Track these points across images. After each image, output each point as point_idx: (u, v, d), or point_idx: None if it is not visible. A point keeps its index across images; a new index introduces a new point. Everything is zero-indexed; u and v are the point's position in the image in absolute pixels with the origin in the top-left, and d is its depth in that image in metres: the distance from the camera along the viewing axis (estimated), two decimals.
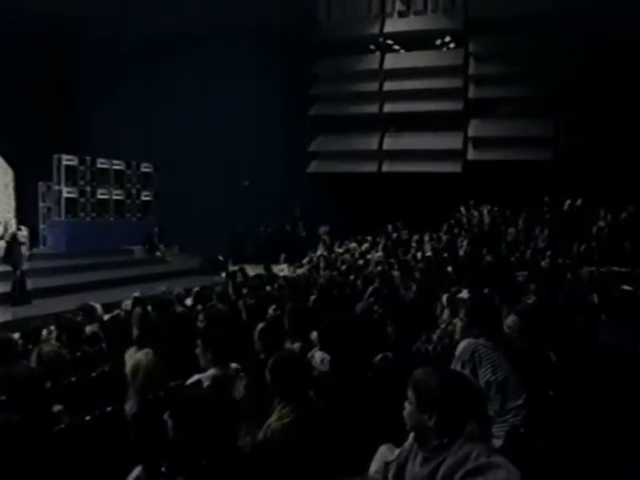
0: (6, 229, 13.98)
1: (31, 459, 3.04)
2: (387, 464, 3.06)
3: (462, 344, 4.29)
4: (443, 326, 6.03)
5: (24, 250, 14.02)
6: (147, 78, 23.57)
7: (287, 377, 3.57)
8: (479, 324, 4.44)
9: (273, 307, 6.40)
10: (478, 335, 4.33)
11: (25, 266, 13.79)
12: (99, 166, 20.56)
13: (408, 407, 2.66)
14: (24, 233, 14.38)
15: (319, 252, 17.24)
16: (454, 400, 2.57)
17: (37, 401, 3.83)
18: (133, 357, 4.05)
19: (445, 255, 13.03)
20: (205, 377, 4.36)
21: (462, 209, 19.49)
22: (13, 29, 19.88)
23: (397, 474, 2.78)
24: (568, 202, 17.24)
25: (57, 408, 3.91)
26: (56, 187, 19.67)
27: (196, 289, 9.36)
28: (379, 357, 4.86)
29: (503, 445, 3.45)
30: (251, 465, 3.34)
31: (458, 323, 4.65)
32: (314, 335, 5.07)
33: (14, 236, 13.86)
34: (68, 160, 19.63)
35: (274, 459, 3.37)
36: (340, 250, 16.67)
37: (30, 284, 14.75)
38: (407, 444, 2.86)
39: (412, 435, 2.77)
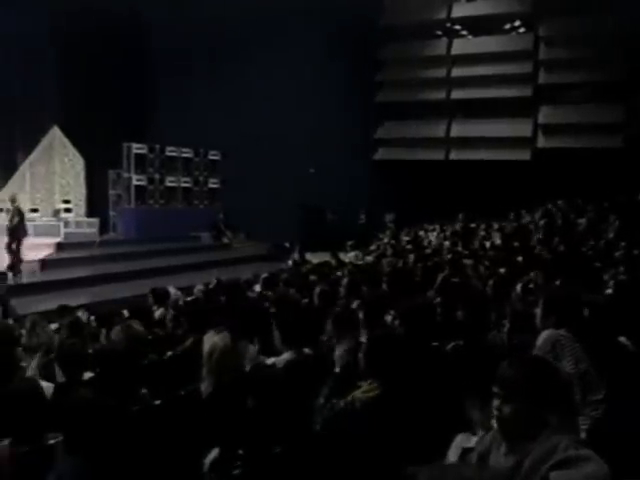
0: (13, 200, 14.20)
1: (120, 440, 3.11)
2: (466, 450, 3.02)
3: (543, 335, 4.18)
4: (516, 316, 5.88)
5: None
6: (213, 66, 23.80)
7: (380, 358, 3.57)
8: (557, 314, 4.35)
9: (343, 292, 6.39)
10: (557, 326, 4.23)
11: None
12: (168, 154, 20.99)
13: (496, 401, 2.59)
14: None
15: (385, 240, 17.14)
16: (544, 389, 2.51)
17: (127, 380, 3.92)
18: (210, 340, 4.10)
19: (516, 244, 12.78)
20: (279, 361, 4.39)
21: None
22: (83, 21, 20.34)
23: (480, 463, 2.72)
24: None
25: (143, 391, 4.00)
26: (126, 175, 20.15)
27: (264, 275, 9.42)
28: (450, 345, 4.79)
29: (587, 438, 3.35)
30: (324, 448, 3.35)
31: (537, 313, 4.53)
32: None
33: (18, 209, 14.08)
34: (138, 148, 20.08)
35: (347, 440, 3.36)
36: (407, 238, 16.55)
37: (101, 269, 15.18)
38: (489, 434, 2.80)
39: (495, 425, 2.71)
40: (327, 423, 3.60)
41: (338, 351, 4.33)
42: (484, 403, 3.13)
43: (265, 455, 3.24)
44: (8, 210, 18.76)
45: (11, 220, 13.62)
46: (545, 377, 2.54)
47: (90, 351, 4.99)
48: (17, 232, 13.62)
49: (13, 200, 14.17)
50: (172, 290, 8.03)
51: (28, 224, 18.13)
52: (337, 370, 4.15)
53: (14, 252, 13.56)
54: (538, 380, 2.51)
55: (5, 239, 13.60)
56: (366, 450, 3.28)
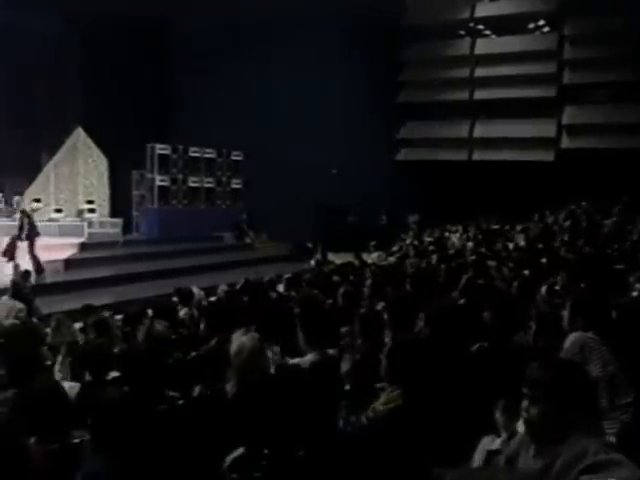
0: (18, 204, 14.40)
1: (138, 434, 3.12)
2: (490, 452, 3.01)
3: (570, 337, 4.15)
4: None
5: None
6: (237, 67, 23.83)
7: (403, 363, 3.55)
8: (584, 317, 4.31)
9: (367, 293, 6.38)
10: (585, 328, 4.20)
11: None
12: (191, 154, 21.11)
13: (525, 402, 2.57)
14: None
15: (408, 241, 17.08)
16: (573, 391, 2.48)
17: (152, 380, 3.94)
18: (239, 339, 4.11)
19: (540, 246, 12.67)
20: (303, 362, 4.38)
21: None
22: (107, 23, 20.50)
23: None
24: None
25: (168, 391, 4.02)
26: (149, 175, 20.27)
27: (287, 275, 9.41)
28: (476, 347, 4.76)
29: (616, 443, 3.31)
30: (350, 451, 3.33)
31: (564, 315, 4.49)
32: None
33: (23, 211, 14.22)
34: (161, 149, 20.19)
35: (373, 446, 3.35)
36: (429, 239, 16.48)
37: (124, 269, 15.28)
38: (518, 436, 2.79)
39: (523, 427, 2.69)
40: (353, 441, 3.58)
41: (344, 366, 4.33)
42: (508, 405, 3.12)
43: (288, 457, 3.23)
44: (32, 210, 18.97)
45: (21, 224, 13.84)
46: (574, 380, 2.53)
47: (116, 351, 5.02)
48: (30, 235, 13.82)
49: (17, 204, 14.38)
50: (195, 290, 8.05)
51: (52, 224, 18.49)
52: (347, 388, 4.13)
53: (32, 254, 13.76)
54: (568, 382, 2.50)
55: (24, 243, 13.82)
56: (390, 456, 3.27)
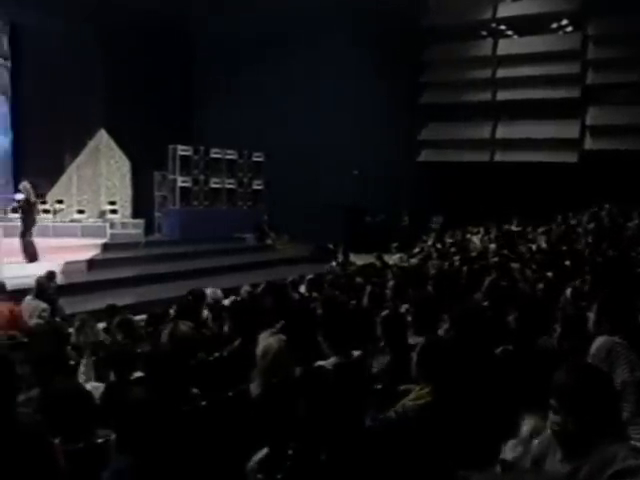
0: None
1: (163, 434, 3.13)
2: (503, 461, 2.98)
3: (597, 342, 4.10)
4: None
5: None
6: (258, 68, 23.90)
7: (434, 361, 3.55)
8: (610, 320, 4.26)
9: (389, 295, 6.37)
10: (611, 332, 4.15)
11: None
12: (212, 156, 21.18)
13: (553, 415, 2.56)
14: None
15: (430, 242, 17.02)
16: (601, 400, 2.47)
17: (175, 380, 3.95)
18: (265, 340, 4.12)
19: (563, 248, 12.56)
20: (327, 364, 4.37)
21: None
22: (129, 23, 20.64)
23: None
24: None
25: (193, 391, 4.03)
26: (171, 176, 20.37)
27: (310, 276, 9.39)
28: (500, 349, 4.74)
29: None
30: (376, 446, 3.33)
31: (591, 318, 4.45)
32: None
33: (27, 201, 14.33)
34: (183, 150, 20.27)
35: (400, 441, 3.34)
36: (451, 240, 16.41)
37: (146, 270, 15.35)
38: (545, 438, 2.76)
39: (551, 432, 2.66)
40: (380, 436, 3.58)
41: (376, 366, 4.33)
42: (533, 406, 3.10)
43: (312, 458, 3.23)
44: (55, 211, 19.22)
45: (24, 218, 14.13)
46: (602, 388, 2.53)
47: (140, 351, 5.05)
48: (26, 218, 14.06)
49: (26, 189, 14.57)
50: (210, 290, 8.03)
51: (75, 225, 18.68)
52: (378, 387, 4.14)
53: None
54: (596, 392, 2.49)
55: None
56: (417, 452, 3.26)
